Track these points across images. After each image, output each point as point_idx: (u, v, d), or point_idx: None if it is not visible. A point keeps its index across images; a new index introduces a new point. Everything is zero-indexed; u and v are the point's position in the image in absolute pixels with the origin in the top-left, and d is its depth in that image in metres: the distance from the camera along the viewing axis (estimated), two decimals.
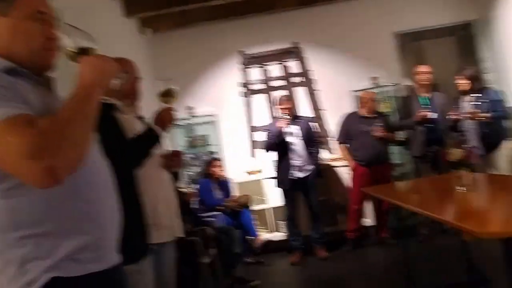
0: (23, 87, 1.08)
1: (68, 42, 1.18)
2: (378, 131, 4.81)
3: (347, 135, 5.01)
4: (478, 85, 4.49)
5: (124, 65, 1.87)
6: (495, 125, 4.34)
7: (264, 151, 4.95)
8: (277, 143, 4.71)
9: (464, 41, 6.38)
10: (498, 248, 3.44)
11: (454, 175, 2.49)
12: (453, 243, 4.52)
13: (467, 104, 4.53)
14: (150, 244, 1.76)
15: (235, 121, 5.90)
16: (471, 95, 4.49)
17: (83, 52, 1.19)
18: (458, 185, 2.44)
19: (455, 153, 2.43)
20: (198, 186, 5.01)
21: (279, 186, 4.89)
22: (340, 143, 5.11)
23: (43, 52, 1.16)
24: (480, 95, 4.44)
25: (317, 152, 4.90)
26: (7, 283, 1.05)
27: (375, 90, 5.76)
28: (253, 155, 5.79)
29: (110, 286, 1.18)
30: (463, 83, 4.54)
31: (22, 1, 1.13)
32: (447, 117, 4.63)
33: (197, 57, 5.93)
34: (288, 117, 4.71)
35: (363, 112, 5.00)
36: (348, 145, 5.05)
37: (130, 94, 1.94)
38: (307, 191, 4.81)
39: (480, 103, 4.42)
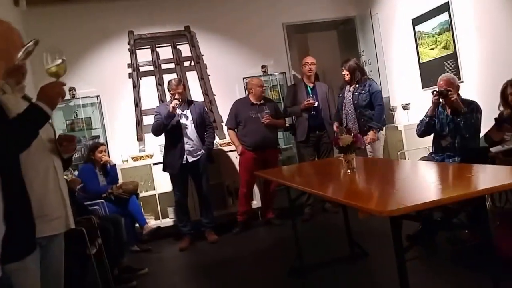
0: None
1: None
2: (266, 117, 4.92)
3: (236, 120, 5.06)
4: (359, 76, 4.82)
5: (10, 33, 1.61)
6: (369, 114, 4.73)
7: (152, 134, 4.78)
8: (167, 126, 4.60)
9: (345, 35, 6.83)
10: (376, 225, 3.75)
11: (344, 158, 2.64)
12: (334, 221, 4.90)
13: (349, 93, 4.87)
14: (38, 238, 1.58)
15: (122, 104, 5.62)
16: (354, 85, 4.82)
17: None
18: (347, 167, 2.60)
19: (346, 139, 2.59)
20: (80, 173, 4.66)
21: (167, 170, 4.79)
22: (229, 128, 5.17)
23: None
24: (361, 85, 4.78)
25: (209, 137, 4.86)
26: None
27: (264, 78, 5.90)
28: (140, 139, 5.56)
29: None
30: (346, 74, 4.85)
31: None
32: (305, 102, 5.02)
33: (80, 34, 5.52)
34: (180, 99, 4.60)
35: (252, 98, 5.08)
36: (236, 131, 5.12)
37: (14, 72, 1.68)
38: (198, 176, 4.78)
39: (361, 92, 4.77)
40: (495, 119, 3.42)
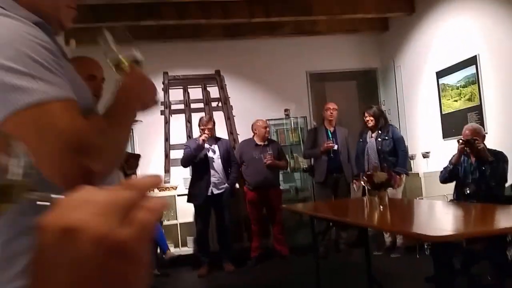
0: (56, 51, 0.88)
1: (116, 52, 1.04)
2: (268, 158, 5.10)
3: (241, 160, 5.27)
4: (383, 123, 5.01)
5: (95, 66, 1.73)
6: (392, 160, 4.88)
7: (181, 166, 5.02)
8: (196, 157, 4.87)
9: (365, 85, 7.11)
10: (396, 264, 3.80)
11: (378, 195, 2.76)
12: (350, 260, 4.95)
13: (372, 138, 5.05)
14: None
15: (152, 138, 5.88)
16: (378, 131, 5.00)
17: (136, 63, 1.06)
18: (379, 204, 2.72)
19: (380, 176, 2.71)
20: None
21: (191, 200, 4.97)
22: (239, 168, 5.34)
23: (65, 9, 0.98)
24: (385, 131, 4.97)
25: (233, 172, 5.06)
26: (14, 278, 0.83)
27: (286, 121, 6.16)
28: (167, 171, 5.76)
29: None
30: (369, 119, 5.04)
31: None
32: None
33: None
34: (209, 134, 4.85)
35: (256, 139, 5.30)
36: (242, 169, 5.34)
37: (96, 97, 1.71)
38: (220, 208, 4.93)
39: (385, 138, 4.95)
40: None
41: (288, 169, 5.80)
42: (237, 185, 5.46)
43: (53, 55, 0.85)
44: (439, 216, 2.73)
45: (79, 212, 0.32)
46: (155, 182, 0.37)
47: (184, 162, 4.97)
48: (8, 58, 0.79)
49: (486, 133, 4.67)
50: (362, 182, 3.65)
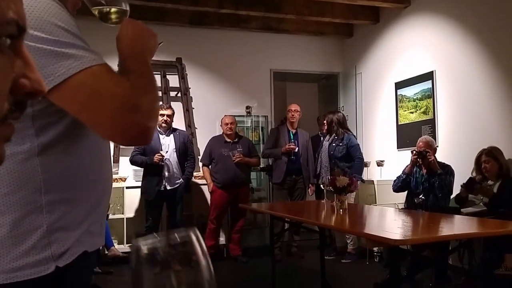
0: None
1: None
2: (237, 155, 5.11)
3: (210, 157, 5.23)
4: (335, 129, 5.16)
5: None
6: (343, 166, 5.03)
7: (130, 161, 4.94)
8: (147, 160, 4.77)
9: (326, 89, 7.27)
10: (347, 270, 3.91)
11: (338, 198, 2.86)
12: (303, 264, 5.05)
13: (327, 143, 5.20)
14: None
15: None
16: (333, 137, 5.15)
17: (122, 13, 1.05)
18: (339, 207, 2.82)
19: (343, 180, 2.80)
20: None
21: (143, 195, 4.89)
22: (203, 165, 5.33)
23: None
24: (340, 138, 5.12)
25: (189, 167, 5.00)
26: (24, 254, 0.88)
27: (247, 118, 6.17)
28: (116, 161, 5.60)
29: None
30: (325, 125, 5.20)
31: None
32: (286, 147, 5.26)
33: None
34: (165, 124, 4.78)
35: (225, 136, 5.29)
36: (210, 167, 5.30)
37: None
38: (174, 204, 4.86)
39: (339, 144, 5.10)
40: (462, 185, 3.80)
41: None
42: (196, 180, 5.41)
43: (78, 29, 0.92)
44: (394, 223, 2.87)
45: None
46: None
47: (135, 164, 4.91)
48: (48, 31, 0.85)
49: (437, 146, 4.95)
50: (322, 186, 3.77)
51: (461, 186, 3.81)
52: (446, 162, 4.17)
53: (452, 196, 4.06)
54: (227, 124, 5.24)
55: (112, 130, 0.87)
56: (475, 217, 3.03)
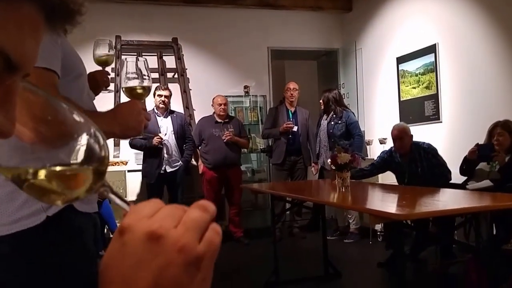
0: None
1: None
2: (226, 134, 4.99)
3: (199, 138, 5.13)
4: (333, 107, 5.03)
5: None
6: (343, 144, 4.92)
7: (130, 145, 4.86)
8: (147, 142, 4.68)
9: (326, 66, 7.10)
10: (349, 249, 3.84)
11: (339, 176, 2.76)
12: (304, 244, 4.99)
13: (325, 121, 5.09)
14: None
15: (102, 108, 5.55)
16: (331, 115, 5.04)
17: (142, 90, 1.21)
18: (341, 184, 2.72)
19: (344, 157, 2.70)
20: None
21: (145, 179, 4.80)
22: (194, 145, 5.21)
23: None
24: (338, 116, 5.01)
25: (188, 149, 4.90)
26: (18, 209, 1.04)
27: (245, 98, 6.04)
28: (117, 144, 5.50)
29: (96, 230, 1.25)
30: (323, 103, 5.08)
31: None
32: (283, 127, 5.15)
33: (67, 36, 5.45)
34: (163, 105, 4.70)
35: (216, 116, 5.17)
36: (200, 148, 5.21)
37: None
38: (174, 186, 4.78)
39: (337, 122, 4.99)
40: (465, 158, 3.67)
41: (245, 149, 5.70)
42: (193, 162, 5.32)
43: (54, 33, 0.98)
44: (397, 199, 2.78)
45: (162, 222, 0.39)
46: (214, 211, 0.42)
47: (134, 147, 4.82)
48: None
49: (441, 121, 4.83)
50: (329, 163, 3.66)
51: (465, 157, 3.67)
52: (450, 139, 4.02)
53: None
54: (220, 104, 5.13)
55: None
56: (482, 192, 2.92)
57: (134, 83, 1.22)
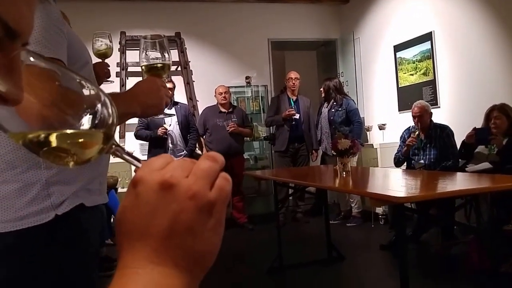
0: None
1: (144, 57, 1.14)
2: (231, 125, 4.92)
3: (204, 127, 5.05)
4: (334, 95, 4.96)
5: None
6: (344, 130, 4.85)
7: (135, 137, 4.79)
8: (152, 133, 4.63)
9: (325, 56, 6.99)
10: (352, 233, 3.77)
11: (340, 161, 2.68)
12: (307, 229, 4.93)
13: (326, 109, 5.01)
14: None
15: None
16: (332, 103, 4.96)
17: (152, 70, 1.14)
18: (342, 170, 2.64)
19: (344, 143, 2.62)
20: None
21: None
22: (198, 135, 5.14)
23: None
24: (338, 104, 4.93)
25: (192, 139, 4.84)
26: (27, 205, 0.96)
27: (247, 89, 5.95)
28: (123, 136, 5.45)
29: (103, 220, 1.19)
30: (324, 91, 5.01)
31: None
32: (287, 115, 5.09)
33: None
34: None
35: (219, 106, 5.08)
36: (205, 137, 5.14)
37: None
38: None
39: (338, 110, 4.91)
40: (463, 142, 3.60)
41: (248, 138, 5.64)
42: (198, 151, 5.25)
43: (57, 18, 0.99)
44: (398, 182, 2.70)
45: (173, 172, 0.40)
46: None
47: (139, 138, 4.76)
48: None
49: (439, 106, 4.74)
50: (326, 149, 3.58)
51: (463, 141, 3.60)
52: (448, 123, 3.96)
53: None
54: (221, 93, 5.05)
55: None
56: (481, 173, 2.84)
57: (153, 60, 1.16)
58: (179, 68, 5.84)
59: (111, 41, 1.68)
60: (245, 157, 5.46)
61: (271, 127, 5.61)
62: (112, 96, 1.03)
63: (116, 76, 5.53)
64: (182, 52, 5.81)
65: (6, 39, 0.36)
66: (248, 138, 5.52)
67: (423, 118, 3.92)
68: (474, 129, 3.53)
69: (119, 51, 5.53)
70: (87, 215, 1.05)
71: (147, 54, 1.15)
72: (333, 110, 5.01)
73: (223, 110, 5.06)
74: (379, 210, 4.77)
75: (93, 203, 1.07)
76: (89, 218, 1.07)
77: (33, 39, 0.87)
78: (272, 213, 5.07)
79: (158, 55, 1.15)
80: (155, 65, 1.15)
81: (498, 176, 2.52)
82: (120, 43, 5.56)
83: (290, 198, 5.12)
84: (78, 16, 5.42)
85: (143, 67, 1.17)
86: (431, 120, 3.98)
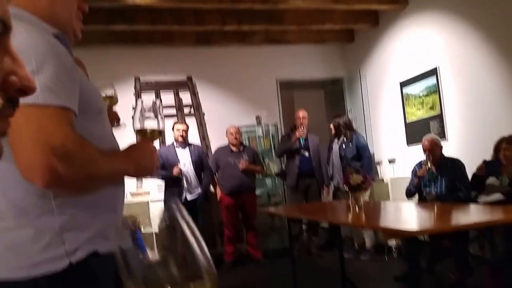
0: (69, 59, 0.97)
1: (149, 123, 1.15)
2: (242, 162, 4.96)
3: (216, 166, 5.10)
4: (343, 132, 4.99)
5: (83, 67, 1.65)
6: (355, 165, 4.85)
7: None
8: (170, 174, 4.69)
9: (332, 94, 7.08)
10: (366, 266, 3.70)
11: (353, 196, 2.68)
12: (321, 263, 4.84)
13: (337, 145, 5.04)
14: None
15: (124, 143, 5.58)
16: (342, 139, 5.00)
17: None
18: (356, 204, 2.64)
19: (356, 178, 2.63)
20: None
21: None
22: (212, 174, 5.18)
23: (77, 21, 1.07)
24: (349, 139, 4.97)
25: (206, 177, 4.88)
26: (40, 252, 0.93)
27: (258, 128, 6.03)
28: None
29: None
30: (334, 128, 5.05)
31: None
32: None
33: (90, 78, 5.55)
34: (181, 139, 4.74)
35: (231, 146, 5.15)
36: (216, 175, 5.16)
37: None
38: (195, 214, 4.71)
39: (348, 145, 4.94)
40: (474, 174, 3.57)
41: (260, 175, 5.66)
42: (211, 189, 5.28)
43: (70, 65, 0.95)
44: (410, 215, 2.68)
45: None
46: None
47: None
48: (36, 63, 0.89)
49: (447, 140, 4.73)
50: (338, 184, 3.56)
51: (474, 174, 3.57)
52: (457, 156, 3.95)
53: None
54: (232, 133, 5.13)
55: (29, 166, 0.87)
56: (493, 205, 2.81)
57: (148, 124, 1.16)
58: (191, 110, 5.95)
59: (114, 90, 1.62)
60: (258, 193, 5.46)
61: (282, 164, 5.63)
62: (109, 154, 1.02)
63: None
64: (194, 95, 5.94)
65: (3, 34, 0.40)
66: (260, 175, 5.54)
67: (433, 151, 3.89)
68: (484, 162, 3.51)
69: (134, 95, 5.67)
70: (101, 261, 1.01)
71: (142, 116, 1.16)
72: (344, 146, 5.04)
73: (234, 149, 5.12)
74: (392, 243, 4.69)
75: (107, 249, 1.02)
76: (103, 265, 1.02)
77: (40, 83, 0.85)
78: (286, 248, 5.01)
79: (153, 118, 1.16)
80: (149, 130, 1.17)
81: (510, 209, 2.49)
82: (135, 87, 5.71)
83: (305, 233, 5.08)
84: (94, 62, 5.63)
85: (136, 130, 1.18)
86: (441, 153, 3.96)
